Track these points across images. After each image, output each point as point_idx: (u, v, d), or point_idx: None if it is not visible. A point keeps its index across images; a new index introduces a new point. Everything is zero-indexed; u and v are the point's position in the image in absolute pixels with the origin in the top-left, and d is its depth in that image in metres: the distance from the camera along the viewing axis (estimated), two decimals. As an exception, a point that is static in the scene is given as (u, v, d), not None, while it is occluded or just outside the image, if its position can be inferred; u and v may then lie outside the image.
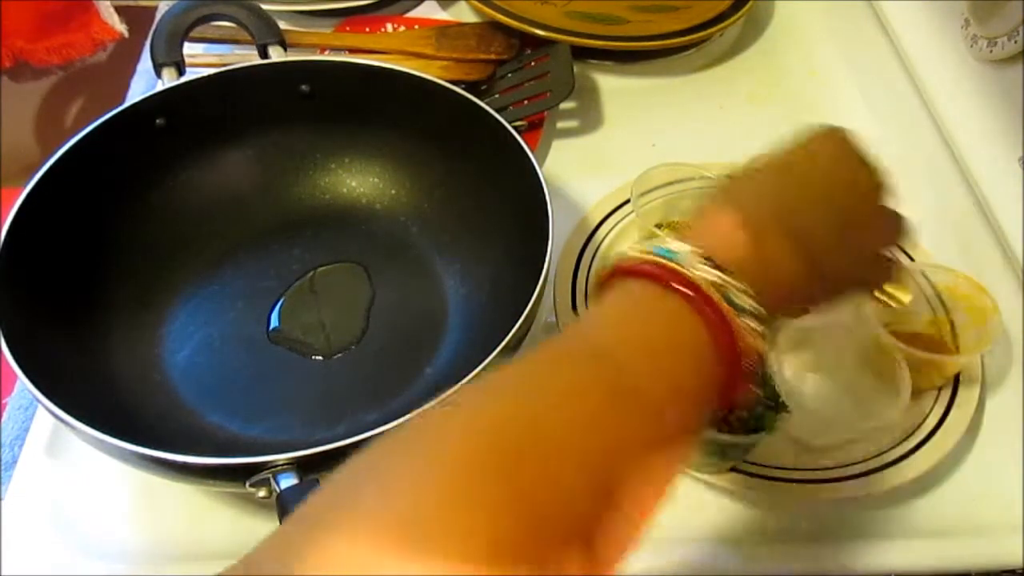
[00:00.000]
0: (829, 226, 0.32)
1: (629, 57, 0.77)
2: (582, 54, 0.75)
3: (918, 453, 0.48)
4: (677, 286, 0.27)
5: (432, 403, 0.26)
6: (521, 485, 0.22)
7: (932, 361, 0.51)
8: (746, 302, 0.28)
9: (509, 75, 0.72)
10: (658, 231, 0.57)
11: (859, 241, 0.33)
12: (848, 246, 0.33)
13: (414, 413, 0.29)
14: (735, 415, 0.46)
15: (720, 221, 0.31)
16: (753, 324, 0.28)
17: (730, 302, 0.27)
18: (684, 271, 0.28)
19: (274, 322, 0.55)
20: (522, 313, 0.44)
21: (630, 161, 0.58)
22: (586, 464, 0.24)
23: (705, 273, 0.27)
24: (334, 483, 0.24)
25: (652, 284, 0.28)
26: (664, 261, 0.28)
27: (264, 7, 0.60)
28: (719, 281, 0.27)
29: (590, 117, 0.74)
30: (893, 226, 0.35)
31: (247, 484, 0.39)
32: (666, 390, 0.26)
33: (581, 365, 0.27)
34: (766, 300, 0.28)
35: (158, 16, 0.60)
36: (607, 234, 0.60)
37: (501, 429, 0.23)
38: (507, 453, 0.23)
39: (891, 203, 0.35)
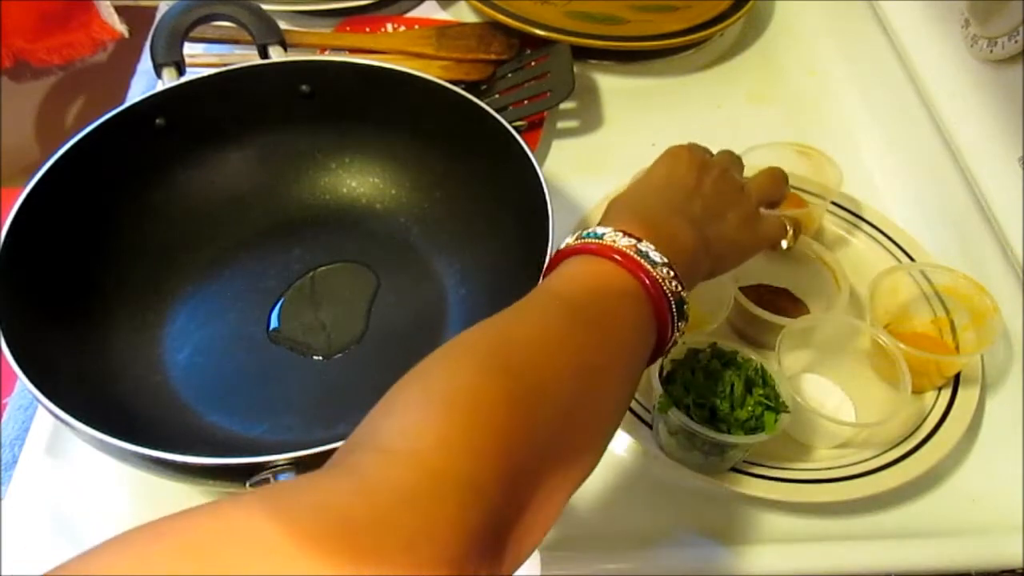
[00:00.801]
0: (702, 203, 0.41)
1: (629, 57, 0.78)
2: (582, 54, 0.75)
3: (918, 453, 0.48)
4: (609, 254, 0.35)
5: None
6: (517, 380, 0.29)
7: (932, 361, 0.51)
8: (660, 258, 0.36)
9: (509, 75, 0.72)
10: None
11: (721, 210, 0.42)
12: (714, 215, 0.42)
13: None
14: (734, 415, 0.46)
15: (621, 214, 0.39)
16: (669, 272, 0.36)
17: (648, 259, 0.35)
18: (611, 244, 0.36)
19: (274, 322, 0.55)
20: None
21: (630, 161, 0.58)
22: (557, 366, 0.31)
23: (626, 242, 0.36)
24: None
25: (589, 256, 0.36)
26: (595, 240, 0.36)
27: (264, 7, 0.60)
28: (637, 246, 0.36)
29: (590, 117, 0.74)
30: (744, 196, 0.44)
31: (247, 484, 0.39)
32: (610, 320, 0.34)
33: (543, 302, 0.34)
34: (675, 260, 0.36)
35: (158, 16, 0.60)
36: (607, 234, 0.59)
37: (488, 350, 0.30)
38: (495, 360, 0.30)
39: (744, 178, 0.46)
